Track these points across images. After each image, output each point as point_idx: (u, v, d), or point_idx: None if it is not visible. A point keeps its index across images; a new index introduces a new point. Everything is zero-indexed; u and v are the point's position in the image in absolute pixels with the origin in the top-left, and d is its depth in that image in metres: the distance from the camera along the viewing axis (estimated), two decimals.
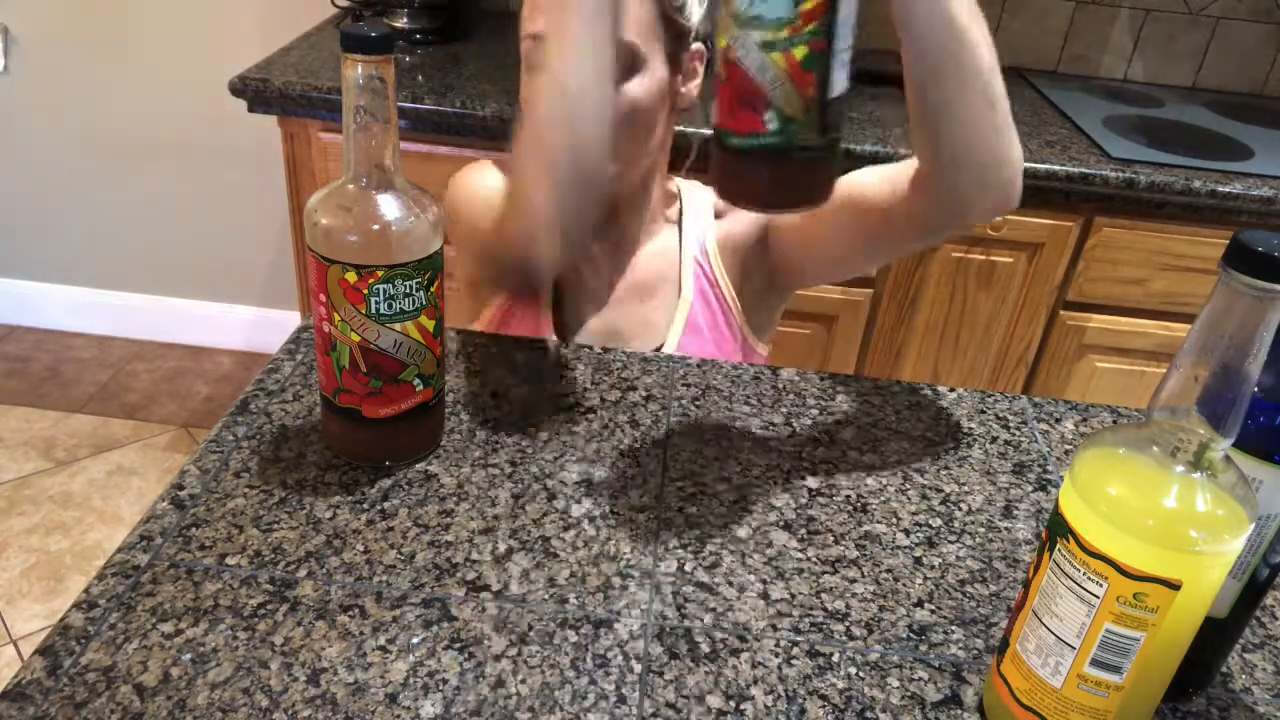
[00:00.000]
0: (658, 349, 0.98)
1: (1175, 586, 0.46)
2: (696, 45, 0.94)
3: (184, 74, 2.15)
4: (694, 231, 1.02)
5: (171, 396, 2.32)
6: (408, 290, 0.64)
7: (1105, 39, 2.00)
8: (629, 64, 0.87)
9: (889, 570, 0.67)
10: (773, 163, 0.60)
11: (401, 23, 1.77)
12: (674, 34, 0.91)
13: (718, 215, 1.03)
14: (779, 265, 1.00)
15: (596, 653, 0.58)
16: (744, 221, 1.01)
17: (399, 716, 0.53)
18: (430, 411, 0.71)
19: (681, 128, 1.01)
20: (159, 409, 2.28)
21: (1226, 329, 0.44)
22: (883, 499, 0.74)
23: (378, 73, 0.60)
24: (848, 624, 0.62)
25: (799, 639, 0.60)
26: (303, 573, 0.61)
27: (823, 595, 0.64)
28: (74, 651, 0.55)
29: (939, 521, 0.72)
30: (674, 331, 0.99)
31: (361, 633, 0.57)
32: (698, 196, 1.05)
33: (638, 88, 0.89)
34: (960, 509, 0.73)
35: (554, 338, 1.00)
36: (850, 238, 0.92)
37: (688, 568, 0.65)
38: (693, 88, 0.96)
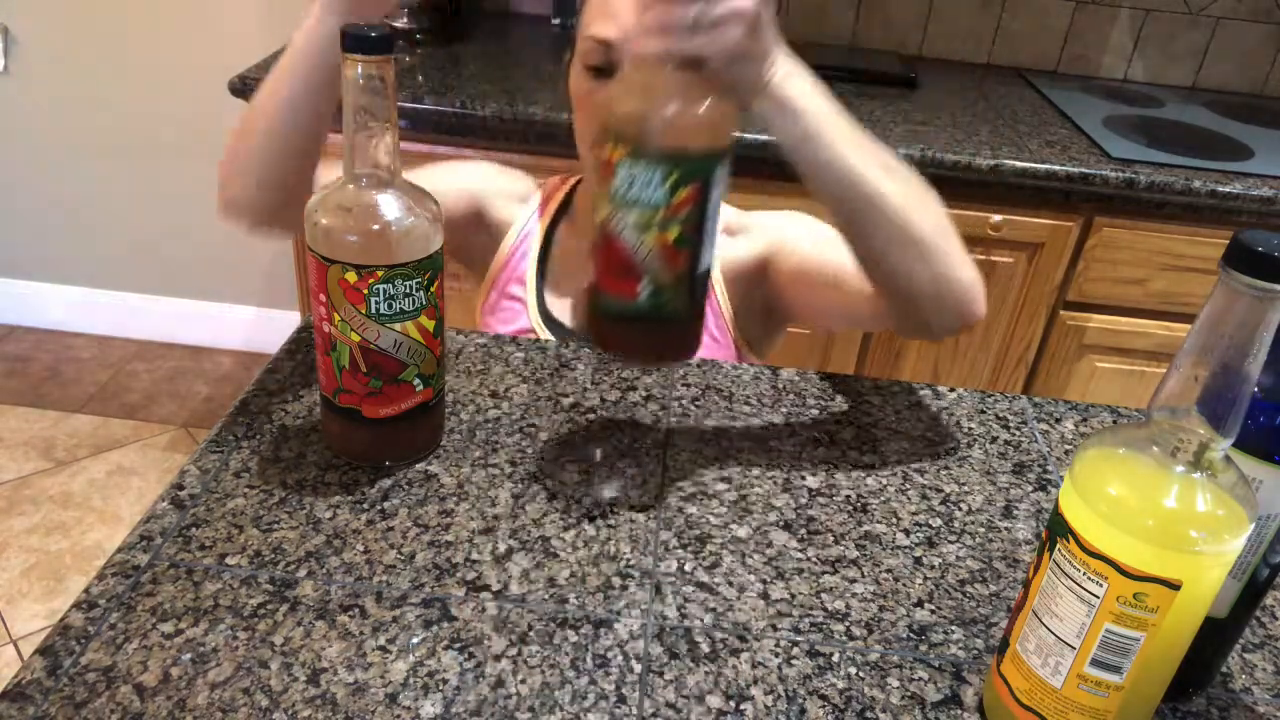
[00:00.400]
0: None
1: (1175, 586, 0.46)
2: None
3: (184, 74, 2.15)
4: None
5: (171, 396, 2.32)
6: (408, 290, 0.64)
7: (1105, 39, 2.00)
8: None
9: (889, 570, 0.67)
10: (643, 325, 0.65)
11: (401, 23, 1.77)
12: None
13: (726, 231, 1.04)
14: (776, 303, 1.01)
15: (596, 653, 0.58)
16: (746, 249, 1.01)
17: (399, 716, 0.53)
18: (430, 411, 0.71)
19: None
20: (159, 409, 2.28)
21: (1226, 329, 0.44)
22: (883, 499, 0.74)
23: (378, 73, 0.60)
24: (848, 624, 0.62)
25: (799, 639, 0.60)
26: (303, 573, 0.61)
27: (823, 595, 0.64)
28: (74, 651, 0.55)
29: (939, 521, 0.72)
30: None
31: (361, 633, 0.57)
32: (759, 220, 1.06)
33: None
34: (960, 509, 0.73)
35: (540, 321, 1.02)
36: (839, 312, 0.94)
37: (688, 568, 0.65)
38: None
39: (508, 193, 1.09)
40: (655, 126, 0.60)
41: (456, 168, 1.10)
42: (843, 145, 0.72)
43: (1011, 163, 1.49)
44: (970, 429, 0.83)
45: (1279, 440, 0.51)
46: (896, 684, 0.58)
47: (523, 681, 0.55)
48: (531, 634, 0.59)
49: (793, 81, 0.71)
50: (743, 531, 0.69)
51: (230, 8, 2.08)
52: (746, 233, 1.02)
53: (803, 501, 0.72)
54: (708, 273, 0.66)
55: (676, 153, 0.60)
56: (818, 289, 0.93)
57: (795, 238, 0.97)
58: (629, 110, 0.61)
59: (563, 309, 1.03)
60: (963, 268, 0.79)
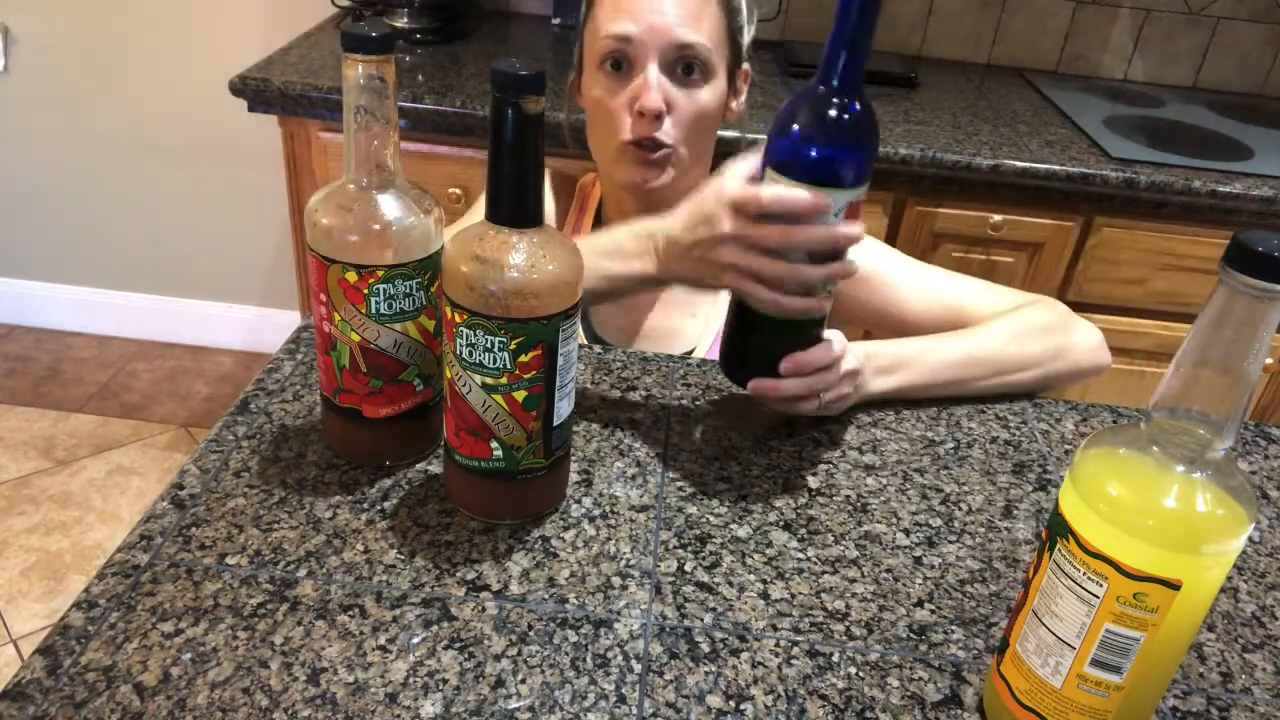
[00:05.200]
0: (687, 354, 0.98)
1: (1175, 586, 0.46)
2: (745, 65, 0.99)
3: (184, 74, 2.15)
4: None
5: (171, 396, 2.32)
6: (408, 290, 0.64)
7: (1105, 39, 2.00)
8: (705, 71, 0.92)
9: (889, 570, 0.67)
10: (499, 483, 0.65)
11: (401, 23, 1.77)
12: (734, 52, 0.96)
13: None
14: (843, 316, 1.00)
15: (596, 653, 0.58)
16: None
17: (399, 716, 0.53)
18: (430, 411, 0.71)
19: (724, 132, 1.03)
20: (159, 409, 2.28)
21: (1226, 329, 0.44)
22: (883, 499, 0.74)
23: (378, 73, 0.60)
24: (848, 624, 0.62)
25: (799, 639, 0.60)
26: (303, 572, 0.61)
27: (823, 595, 0.64)
28: (74, 651, 0.55)
29: (939, 521, 0.72)
30: (704, 342, 1.00)
31: (361, 633, 0.57)
32: None
33: (709, 95, 0.93)
34: (960, 509, 0.73)
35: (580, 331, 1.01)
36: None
37: (688, 568, 0.65)
38: (740, 104, 1.01)
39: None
40: (493, 294, 0.58)
41: None
42: (924, 389, 0.85)
43: (1011, 163, 1.49)
44: (970, 429, 0.83)
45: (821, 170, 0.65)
46: (896, 684, 0.58)
47: (523, 681, 0.55)
48: (531, 634, 0.59)
49: (875, 383, 0.82)
50: (743, 531, 0.69)
51: (230, 8, 2.08)
52: None
53: (803, 501, 0.72)
54: (567, 423, 0.65)
55: (517, 321, 0.58)
56: (928, 326, 0.93)
57: (894, 280, 0.96)
58: (465, 275, 0.58)
59: (601, 321, 1.03)
60: (1074, 352, 0.88)
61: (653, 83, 0.90)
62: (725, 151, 1.03)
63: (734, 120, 1.01)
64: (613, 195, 1.03)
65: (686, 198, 0.99)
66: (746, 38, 0.98)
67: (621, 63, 0.91)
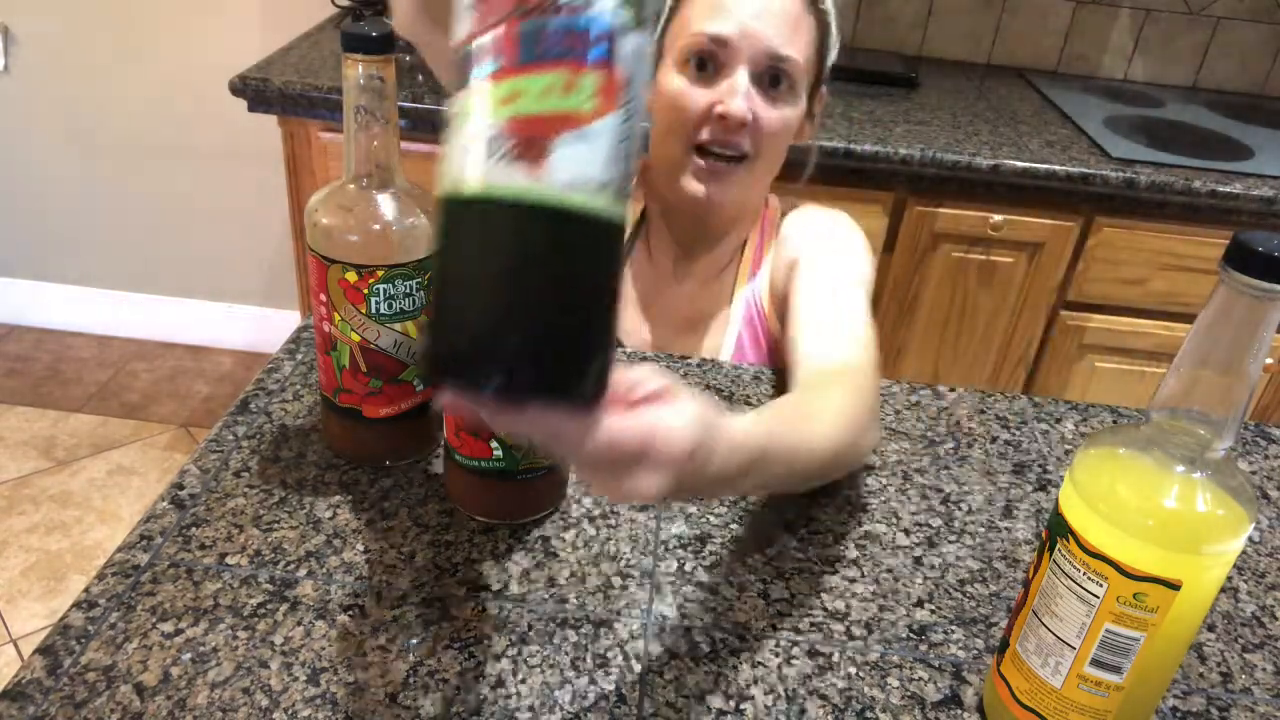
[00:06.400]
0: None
1: (1175, 586, 0.46)
2: (823, 88, 0.96)
3: (184, 74, 2.15)
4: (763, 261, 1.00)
5: (171, 396, 2.32)
6: (408, 290, 0.64)
7: (1105, 39, 2.00)
8: (791, 87, 0.90)
9: (889, 570, 0.67)
10: (499, 482, 0.65)
11: None
12: (818, 73, 0.93)
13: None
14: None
15: (596, 653, 0.58)
16: (778, 260, 0.99)
17: (399, 716, 0.53)
18: (430, 411, 0.71)
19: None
20: (159, 409, 2.28)
21: (1226, 329, 0.44)
22: (883, 499, 0.74)
23: (378, 73, 0.60)
24: (848, 624, 0.62)
25: (799, 639, 0.60)
26: (303, 572, 0.61)
27: (823, 595, 0.64)
28: (74, 651, 0.55)
29: (939, 521, 0.72)
30: (726, 354, 0.98)
31: (361, 633, 0.57)
32: (796, 224, 0.99)
33: (792, 112, 0.91)
34: (960, 509, 0.73)
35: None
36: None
37: (688, 568, 0.65)
38: (814, 128, 0.98)
39: None
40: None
41: None
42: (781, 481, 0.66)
43: (1011, 163, 1.49)
44: (970, 429, 0.83)
45: None
46: (896, 684, 0.58)
47: (523, 681, 0.55)
48: (531, 634, 0.59)
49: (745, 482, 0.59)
50: (743, 531, 0.69)
51: (230, 8, 2.08)
52: (785, 240, 0.98)
53: (803, 501, 0.72)
54: None
55: None
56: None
57: (805, 270, 0.90)
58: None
59: (627, 327, 1.01)
60: (865, 450, 0.72)
61: (741, 90, 0.87)
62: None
63: (802, 143, 0.97)
64: (659, 204, 0.99)
65: (739, 215, 0.96)
66: (830, 59, 0.95)
67: (708, 64, 0.88)
